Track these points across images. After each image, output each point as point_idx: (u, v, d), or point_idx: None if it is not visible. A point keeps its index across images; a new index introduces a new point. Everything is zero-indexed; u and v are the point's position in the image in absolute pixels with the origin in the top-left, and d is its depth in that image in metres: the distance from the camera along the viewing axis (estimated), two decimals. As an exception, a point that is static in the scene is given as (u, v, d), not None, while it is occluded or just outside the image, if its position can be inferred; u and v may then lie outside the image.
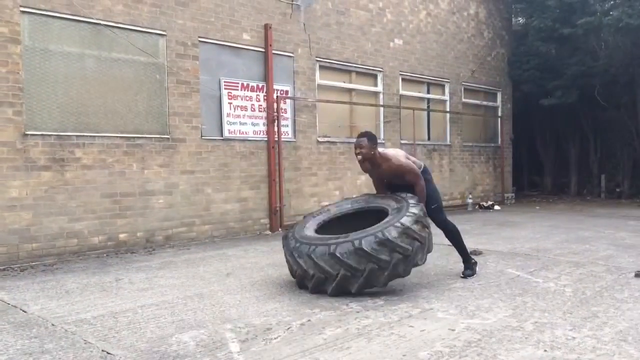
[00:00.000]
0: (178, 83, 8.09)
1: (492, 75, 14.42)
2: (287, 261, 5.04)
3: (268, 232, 9.23)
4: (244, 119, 8.96)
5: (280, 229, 9.28)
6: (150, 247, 7.68)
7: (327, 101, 10.32)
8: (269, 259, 6.69)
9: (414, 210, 4.81)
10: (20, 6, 6.61)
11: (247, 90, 9.02)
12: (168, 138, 7.99)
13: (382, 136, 11.45)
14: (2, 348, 3.58)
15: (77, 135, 7.07)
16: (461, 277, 5.42)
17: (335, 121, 10.57)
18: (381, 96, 11.45)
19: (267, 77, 9.22)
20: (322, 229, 5.28)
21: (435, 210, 5.28)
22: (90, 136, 7.18)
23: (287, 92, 9.62)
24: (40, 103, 6.79)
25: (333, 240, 4.70)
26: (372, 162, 5.15)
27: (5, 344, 3.65)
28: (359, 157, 5.09)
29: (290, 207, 9.62)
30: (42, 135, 6.77)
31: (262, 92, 9.22)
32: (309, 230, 5.15)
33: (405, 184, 5.21)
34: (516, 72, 14.83)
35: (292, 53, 9.69)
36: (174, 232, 8.05)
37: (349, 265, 4.55)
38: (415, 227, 4.68)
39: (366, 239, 4.55)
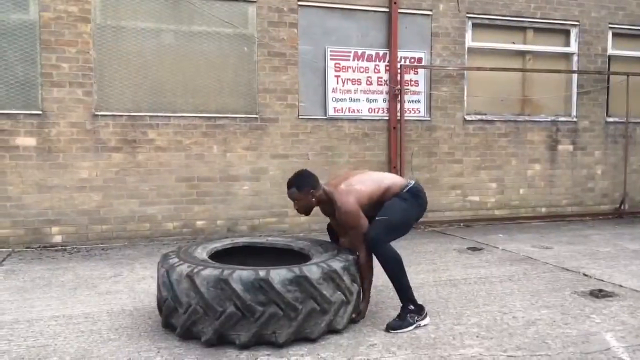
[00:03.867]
0: (270, 55, 7.15)
1: None
2: (160, 290, 3.52)
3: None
4: (356, 95, 7.54)
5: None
6: (232, 237, 6.98)
7: (492, 69, 8.12)
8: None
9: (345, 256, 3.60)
10: (94, -15, 6.53)
11: (362, 60, 7.55)
12: (256, 118, 7.15)
13: (575, 112, 8.59)
14: None
15: (150, 116, 6.76)
16: (384, 330, 3.54)
17: (495, 94, 8.24)
18: (575, 58, 8.55)
19: (390, 43, 7.59)
20: (215, 257, 3.82)
21: (378, 222, 3.62)
22: (165, 116, 6.80)
23: (419, 59, 7.79)
24: (111, 83, 6.66)
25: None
26: (325, 204, 3.78)
27: None
28: (299, 211, 3.81)
29: (420, 201, 7.82)
30: (112, 115, 6.63)
31: (384, 62, 7.63)
32: (200, 255, 3.71)
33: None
34: None
35: (430, 10, 7.79)
36: (261, 222, 7.22)
37: (283, 299, 3.15)
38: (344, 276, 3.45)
39: (309, 268, 3.30)
